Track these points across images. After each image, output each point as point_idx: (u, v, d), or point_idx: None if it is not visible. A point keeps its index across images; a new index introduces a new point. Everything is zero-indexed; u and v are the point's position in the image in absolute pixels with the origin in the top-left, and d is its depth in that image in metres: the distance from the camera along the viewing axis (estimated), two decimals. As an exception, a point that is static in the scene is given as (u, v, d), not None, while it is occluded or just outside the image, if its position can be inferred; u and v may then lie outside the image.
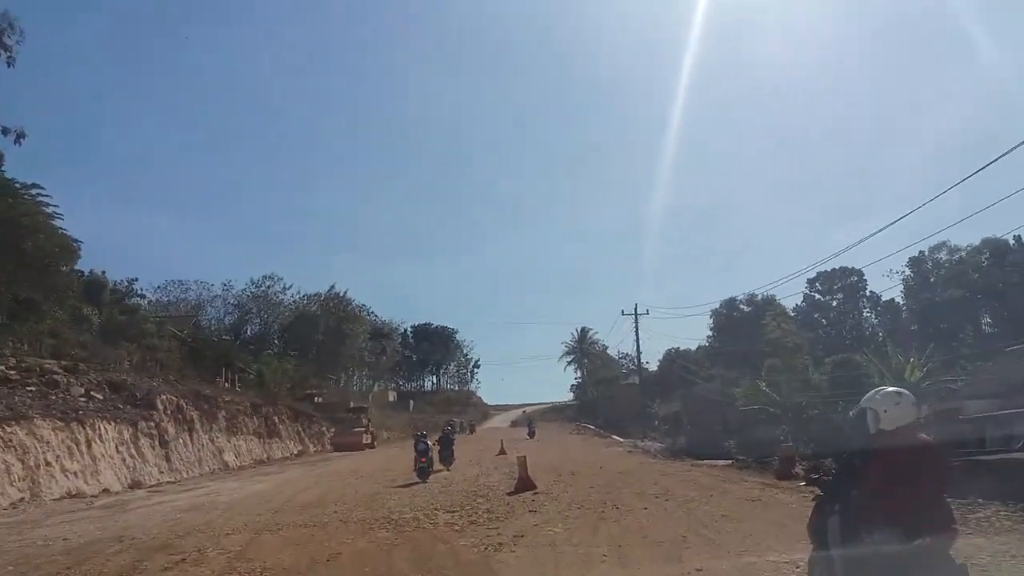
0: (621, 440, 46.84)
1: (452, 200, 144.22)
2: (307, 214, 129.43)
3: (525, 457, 20.73)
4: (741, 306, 55.74)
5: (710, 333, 61.86)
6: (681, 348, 70.35)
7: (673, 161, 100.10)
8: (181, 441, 31.25)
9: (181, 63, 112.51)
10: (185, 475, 30.02)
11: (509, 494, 18.36)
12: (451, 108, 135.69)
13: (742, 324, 53.53)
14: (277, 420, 44.15)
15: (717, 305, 57.98)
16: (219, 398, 37.55)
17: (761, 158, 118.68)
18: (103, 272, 48.14)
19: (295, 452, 43.90)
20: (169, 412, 31.24)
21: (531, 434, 51.42)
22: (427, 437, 25.97)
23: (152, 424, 29.40)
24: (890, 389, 5.13)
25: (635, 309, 53.29)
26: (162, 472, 28.63)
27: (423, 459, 24.19)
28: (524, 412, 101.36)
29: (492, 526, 13.28)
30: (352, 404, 63.52)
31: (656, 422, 47.14)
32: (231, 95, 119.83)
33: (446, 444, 28.28)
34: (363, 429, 49.40)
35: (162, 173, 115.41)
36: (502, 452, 35.34)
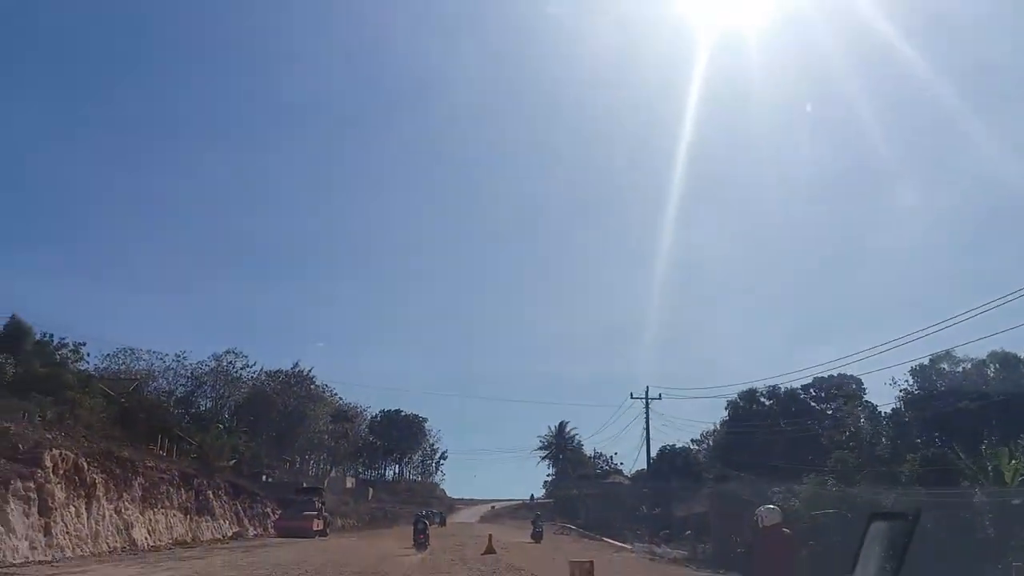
0: (622, 544, 39.20)
1: (429, 281, 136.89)
2: (279, 293, 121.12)
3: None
4: (761, 398, 48.98)
5: (714, 427, 54.63)
6: (677, 445, 63.06)
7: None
8: (72, 510, 23.42)
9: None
10: (70, 553, 22.11)
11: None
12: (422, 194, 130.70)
13: (760, 418, 46.73)
14: (212, 495, 36.04)
15: (732, 395, 51.09)
16: (138, 462, 29.74)
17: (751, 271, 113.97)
18: (31, 326, 40.87)
19: (229, 534, 35.63)
20: (61, 472, 23.51)
21: (537, 536, 40.69)
22: (427, 518, 34.65)
23: (31, 485, 21.69)
24: (770, 505, 10.47)
25: (646, 393, 46.26)
26: (35, 548, 20.76)
27: (421, 536, 30.72)
28: (492, 508, 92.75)
29: None
30: (304, 484, 55.01)
31: (659, 527, 39.20)
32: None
33: (419, 530, 31.29)
34: (315, 513, 41.13)
35: (126, 244, 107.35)
36: (490, 551, 27.81)
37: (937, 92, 70.24)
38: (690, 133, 78.65)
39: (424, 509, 51.17)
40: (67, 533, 22.57)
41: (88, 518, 24.19)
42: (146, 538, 27.64)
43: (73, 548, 22.50)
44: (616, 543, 43.13)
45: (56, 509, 22.34)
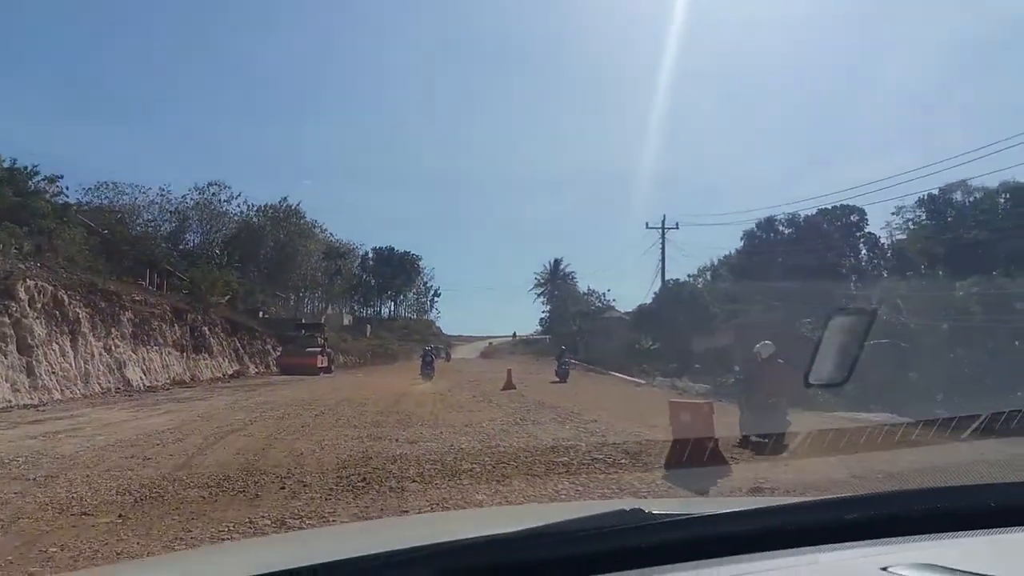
0: (634, 379, 37.81)
1: (426, 114, 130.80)
2: (264, 121, 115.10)
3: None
4: (780, 226, 46.51)
5: (726, 257, 52.34)
6: (683, 279, 61.37)
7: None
8: (56, 348, 20.99)
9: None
10: (58, 395, 19.88)
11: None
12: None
13: (779, 246, 44.46)
14: (208, 332, 33.85)
15: (750, 223, 48.37)
16: (126, 295, 27.15)
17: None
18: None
19: (230, 372, 33.76)
20: (40, 306, 20.91)
21: (563, 374, 33.75)
22: (433, 352, 37.81)
23: (6, 320, 19.12)
24: (766, 341, 12.61)
25: (662, 222, 43.59)
26: (17, 390, 18.45)
27: (429, 368, 33.03)
28: (490, 344, 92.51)
29: None
30: (305, 320, 53.22)
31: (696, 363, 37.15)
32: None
33: (427, 363, 33.84)
34: (318, 349, 39.28)
35: (102, 72, 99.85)
36: (509, 386, 25.95)
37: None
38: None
39: (430, 344, 50.67)
40: (53, 373, 20.23)
41: (75, 357, 21.82)
42: (141, 378, 25.52)
43: (61, 390, 20.24)
44: (625, 377, 41.95)
45: (37, 347, 19.90)
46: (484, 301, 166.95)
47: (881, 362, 22.86)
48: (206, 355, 32.54)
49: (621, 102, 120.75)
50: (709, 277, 60.45)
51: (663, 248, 42.60)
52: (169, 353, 28.90)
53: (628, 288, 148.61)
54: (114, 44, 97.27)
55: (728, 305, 49.58)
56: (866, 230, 57.81)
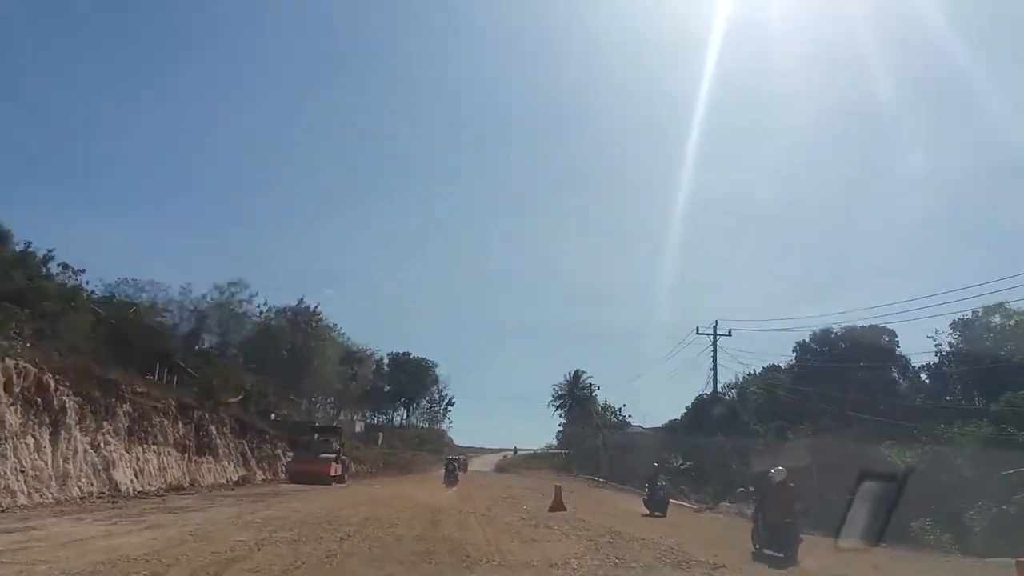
0: (682, 503, 33.32)
1: (446, 221, 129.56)
2: (288, 223, 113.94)
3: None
4: (838, 340, 42.81)
5: (765, 370, 48.34)
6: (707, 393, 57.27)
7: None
8: (31, 441, 17.24)
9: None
10: (24, 499, 16.00)
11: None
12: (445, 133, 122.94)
13: (832, 361, 40.72)
14: (215, 431, 29.92)
15: (804, 337, 44.63)
16: (126, 386, 23.53)
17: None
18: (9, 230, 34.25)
19: (234, 478, 29.63)
20: (18, 391, 17.31)
21: (660, 504, 25.17)
22: (456, 461, 41.87)
23: (-28, 404, 15.55)
24: (779, 467, 15.31)
25: (714, 328, 39.89)
26: (-28, 491, 14.67)
27: (452, 477, 37.23)
28: (505, 456, 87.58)
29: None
30: (318, 424, 49.14)
31: (742, 487, 32.33)
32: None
33: (451, 471, 37.23)
34: (332, 456, 35.08)
35: (128, 171, 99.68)
36: (558, 506, 21.86)
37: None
38: (710, 78, 71.63)
39: (454, 455, 50.95)
40: (21, 472, 16.40)
41: (53, 453, 18.00)
42: (132, 481, 21.56)
43: (29, 493, 16.38)
44: (674, 502, 37.47)
45: (6, 439, 16.21)
46: (497, 412, 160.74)
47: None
48: (210, 458, 28.53)
49: (643, 224, 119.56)
50: (744, 390, 56.23)
51: (715, 355, 38.81)
52: (168, 454, 24.97)
53: (651, 404, 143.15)
54: (141, 141, 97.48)
55: (769, 423, 45.47)
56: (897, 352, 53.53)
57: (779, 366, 47.59)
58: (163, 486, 23.28)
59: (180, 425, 26.68)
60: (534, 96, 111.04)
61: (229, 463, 30.68)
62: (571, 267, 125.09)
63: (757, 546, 14.38)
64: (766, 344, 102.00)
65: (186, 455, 26.49)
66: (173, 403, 26.67)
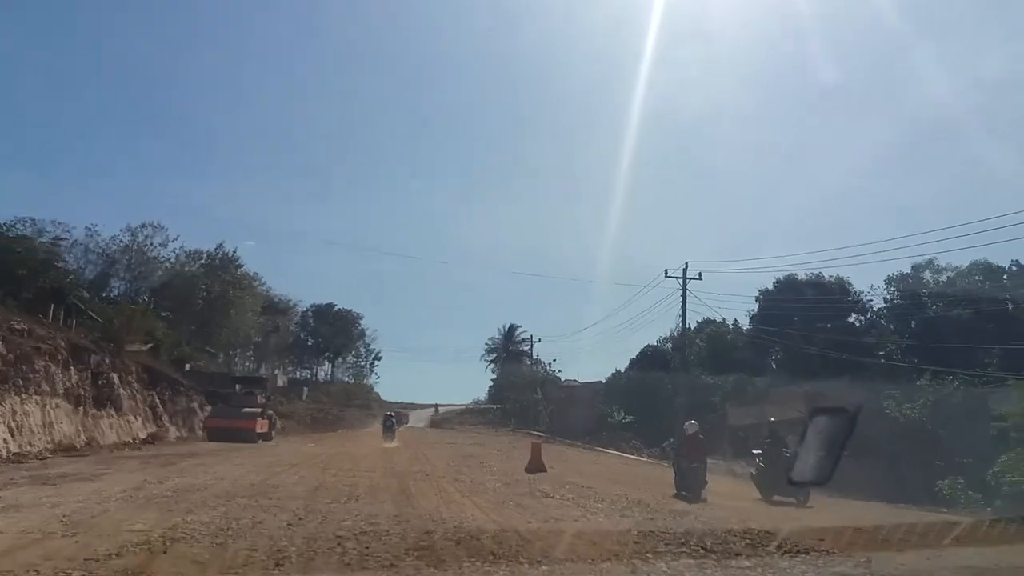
0: (639, 458, 30.31)
1: (381, 181, 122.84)
2: (205, 184, 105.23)
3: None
4: (804, 285, 40.37)
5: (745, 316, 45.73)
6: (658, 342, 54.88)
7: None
8: None
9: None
10: None
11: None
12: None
13: (794, 311, 38.26)
14: (118, 381, 25.02)
15: (774, 275, 42.16)
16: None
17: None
18: None
19: (142, 435, 24.91)
20: None
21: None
22: (393, 417, 38.09)
23: None
24: (691, 421, 17.51)
25: (684, 271, 36.45)
26: None
27: (391, 431, 33.66)
28: (437, 411, 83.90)
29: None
30: (240, 375, 44.25)
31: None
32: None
33: (388, 427, 34.05)
34: (258, 410, 30.48)
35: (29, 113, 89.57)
36: (538, 466, 18.27)
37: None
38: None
39: (391, 411, 45.96)
40: None
41: None
42: (5, 440, 16.86)
43: None
44: (619, 454, 34.58)
45: None
46: (425, 367, 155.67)
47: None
48: (112, 411, 23.72)
49: (583, 184, 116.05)
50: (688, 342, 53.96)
51: (684, 298, 35.49)
52: (57, 406, 20.16)
53: (584, 361, 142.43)
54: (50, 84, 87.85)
55: (713, 376, 43.19)
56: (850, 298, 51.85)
57: (720, 320, 45.24)
58: (49, 446, 18.61)
59: (73, 372, 21.83)
60: (467, 42, 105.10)
61: (136, 418, 25.90)
62: (507, 220, 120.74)
63: (678, 490, 15.71)
64: (727, 295, 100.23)
65: (81, 408, 21.71)
66: (63, 345, 21.75)
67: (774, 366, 40.64)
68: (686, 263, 36.05)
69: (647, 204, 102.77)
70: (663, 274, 36.31)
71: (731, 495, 16.77)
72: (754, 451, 18.61)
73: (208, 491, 11.51)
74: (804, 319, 37.79)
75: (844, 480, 19.74)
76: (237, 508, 9.67)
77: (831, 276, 41.01)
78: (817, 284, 39.91)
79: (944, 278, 61.89)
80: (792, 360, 37.46)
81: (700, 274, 35.88)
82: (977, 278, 55.57)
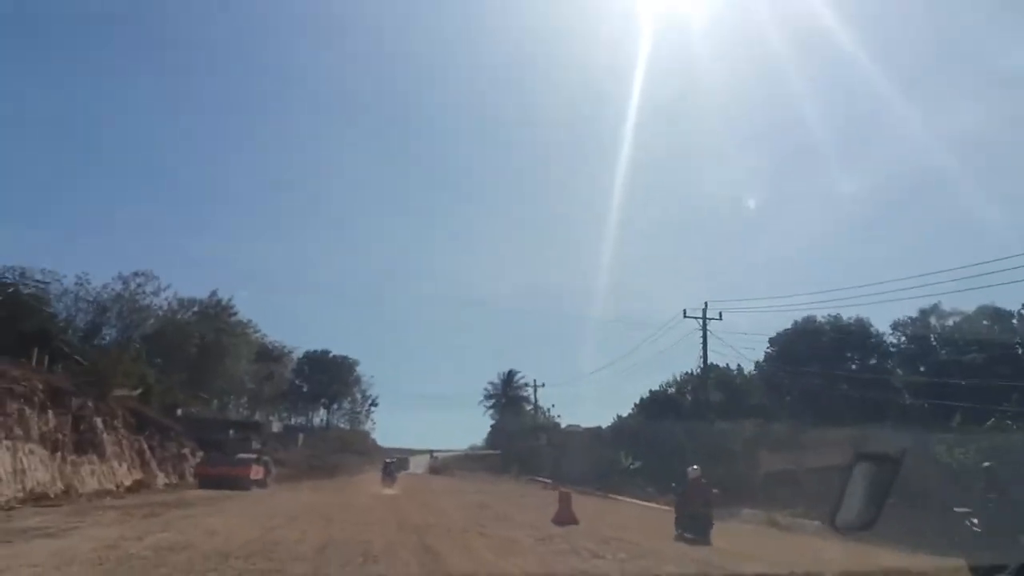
0: (659, 507, 28.08)
1: (374, 226, 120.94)
2: (199, 235, 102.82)
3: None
4: (824, 327, 38.58)
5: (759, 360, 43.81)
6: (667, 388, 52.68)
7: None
8: None
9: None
10: None
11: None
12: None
13: (817, 353, 36.43)
14: (101, 425, 22.89)
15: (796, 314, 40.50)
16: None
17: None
18: None
19: (127, 483, 22.72)
20: None
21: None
22: (393, 464, 37.71)
23: None
24: (694, 467, 17.59)
25: (704, 311, 34.55)
26: None
27: (389, 479, 32.91)
28: (436, 457, 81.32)
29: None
30: (235, 419, 42.02)
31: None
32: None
33: (388, 473, 33.89)
34: (253, 457, 28.39)
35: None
36: (567, 518, 16.20)
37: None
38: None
39: (390, 457, 45.98)
40: None
41: None
42: (-33, 489, 14.80)
43: None
44: (636, 501, 32.37)
45: None
46: (421, 413, 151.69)
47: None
48: (93, 457, 21.58)
49: (575, 225, 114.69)
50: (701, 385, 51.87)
51: (704, 339, 33.65)
52: (31, 452, 18.09)
53: (583, 406, 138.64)
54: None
55: (726, 421, 41.19)
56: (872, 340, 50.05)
57: (733, 365, 43.44)
58: (20, 494, 16.50)
59: (51, 416, 19.79)
60: (459, 84, 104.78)
61: (121, 464, 23.71)
62: (500, 273, 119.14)
63: (679, 531, 15.83)
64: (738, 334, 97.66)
65: (59, 454, 19.59)
66: (40, 387, 19.73)
67: (788, 411, 38.83)
68: (705, 303, 34.38)
69: (643, 247, 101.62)
70: (681, 314, 34.46)
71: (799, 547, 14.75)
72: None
73: (195, 550, 9.52)
74: (822, 361, 36.00)
75: (890, 529, 17.84)
76: (231, 574, 7.71)
77: (849, 317, 39.21)
78: (837, 326, 38.19)
79: (950, 322, 60.22)
80: (811, 404, 35.56)
81: (720, 314, 34.11)
82: (985, 322, 53.96)
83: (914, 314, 51.23)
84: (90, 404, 22.37)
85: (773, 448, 27.89)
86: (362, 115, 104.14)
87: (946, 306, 54.81)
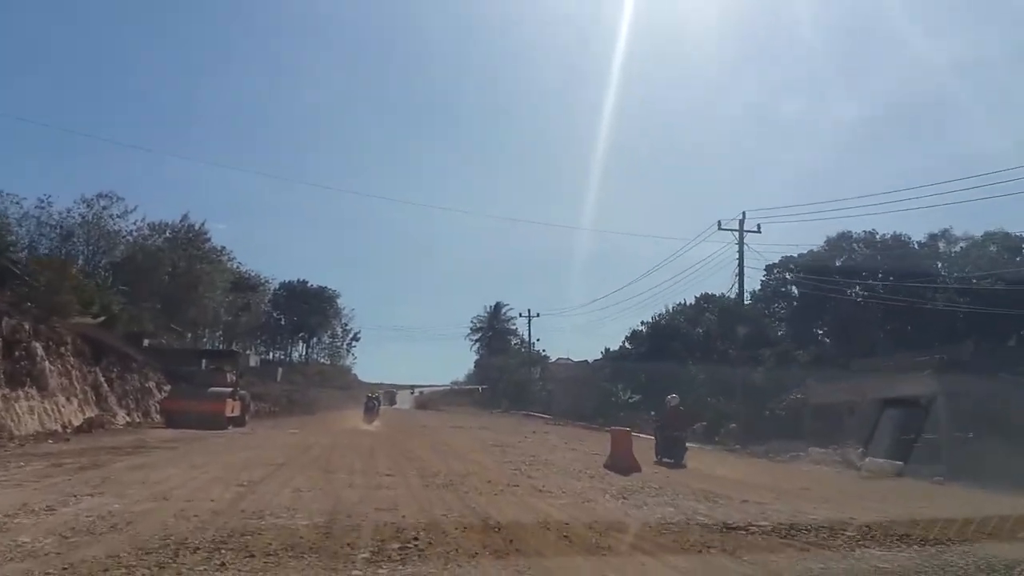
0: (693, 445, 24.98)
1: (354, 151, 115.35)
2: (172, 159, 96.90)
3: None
4: (855, 245, 35.17)
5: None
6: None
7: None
8: None
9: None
10: None
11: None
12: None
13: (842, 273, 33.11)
14: (42, 352, 18.91)
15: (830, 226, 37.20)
16: None
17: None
18: None
19: (77, 422, 18.91)
20: None
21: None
22: (376, 399, 36.96)
23: None
24: (673, 395, 18.24)
25: (741, 222, 30.57)
26: None
27: (371, 415, 32.94)
28: (421, 392, 78.62)
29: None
30: (207, 349, 38.08)
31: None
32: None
33: (370, 408, 33.76)
34: (228, 390, 24.50)
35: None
36: (629, 463, 12.78)
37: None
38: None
39: (373, 392, 44.83)
40: None
41: None
42: None
43: None
44: (645, 436, 29.42)
45: None
46: (403, 347, 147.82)
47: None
48: (32, 390, 17.68)
49: (562, 153, 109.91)
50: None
51: (740, 254, 29.84)
52: (-55, 384, 14.17)
53: (568, 342, 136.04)
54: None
55: (724, 349, 38.16)
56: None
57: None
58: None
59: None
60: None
61: (70, 399, 19.82)
62: (482, 198, 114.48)
63: (657, 457, 16.61)
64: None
65: (-12, 386, 15.69)
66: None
67: (822, 337, 35.57)
68: (743, 212, 30.52)
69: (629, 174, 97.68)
70: (716, 226, 30.58)
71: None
72: None
73: (131, 531, 5.83)
74: (858, 281, 32.73)
75: (985, 467, 14.80)
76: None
77: (884, 233, 35.76)
78: (871, 241, 34.85)
79: (958, 248, 57.00)
80: (846, 330, 32.35)
81: (759, 226, 30.32)
82: (992, 248, 50.75)
83: (923, 238, 47.91)
84: (27, 327, 18.34)
85: (822, 379, 24.70)
86: (342, 40, 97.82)
87: (957, 231, 51.25)
